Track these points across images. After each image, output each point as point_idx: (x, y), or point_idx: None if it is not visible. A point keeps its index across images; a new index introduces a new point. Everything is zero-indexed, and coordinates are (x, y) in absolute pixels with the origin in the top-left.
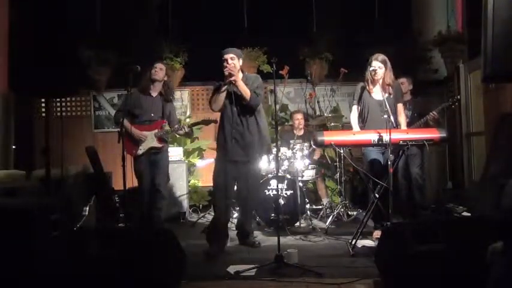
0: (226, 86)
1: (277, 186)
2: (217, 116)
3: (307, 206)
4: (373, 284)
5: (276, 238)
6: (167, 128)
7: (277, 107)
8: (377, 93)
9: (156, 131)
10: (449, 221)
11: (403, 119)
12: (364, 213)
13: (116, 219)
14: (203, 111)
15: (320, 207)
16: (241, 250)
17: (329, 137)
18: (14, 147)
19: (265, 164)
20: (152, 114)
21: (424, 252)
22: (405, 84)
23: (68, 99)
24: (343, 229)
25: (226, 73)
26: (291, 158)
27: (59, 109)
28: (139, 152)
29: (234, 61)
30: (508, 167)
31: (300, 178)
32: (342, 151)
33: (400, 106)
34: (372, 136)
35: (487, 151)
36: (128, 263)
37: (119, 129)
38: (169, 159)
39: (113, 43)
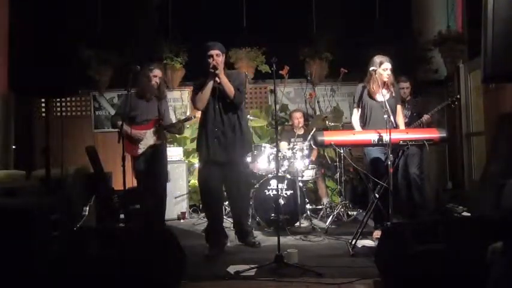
0: (211, 82)
1: (277, 186)
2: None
3: (307, 206)
4: (373, 284)
5: (276, 238)
6: (162, 125)
7: (277, 107)
8: (379, 94)
9: (153, 129)
10: (449, 221)
11: (401, 120)
12: (364, 213)
13: (116, 219)
14: None
15: (320, 207)
16: (241, 250)
17: (329, 137)
18: (14, 147)
19: (264, 164)
20: (148, 115)
21: (424, 252)
22: (409, 88)
23: (68, 99)
24: (343, 229)
25: (211, 67)
26: (291, 158)
27: (59, 109)
28: (140, 151)
29: (219, 58)
30: (508, 167)
31: (300, 178)
32: (342, 151)
33: (399, 107)
34: (371, 136)
35: (487, 151)
36: (127, 263)
37: (118, 129)
38: (170, 159)
39: (113, 43)
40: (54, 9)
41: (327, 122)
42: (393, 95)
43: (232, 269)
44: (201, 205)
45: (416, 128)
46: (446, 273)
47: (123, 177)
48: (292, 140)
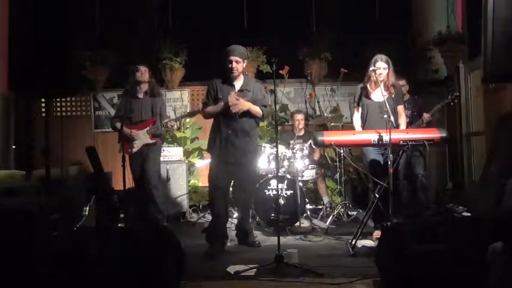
0: (225, 107)
1: (277, 186)
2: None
3: (307, 206)
4: (373, 284)
5: (276, 238)
6: (158, 124)
7: (277, 107)
8: (377, 94)
9: (148, 128)
10: (449, 221)
11: (403, 121)
12: (364, 213)
13: (116, 219)
14: None
15: (320, 207)
16: (241, 250)
17: (329, 137)
18: (14, 147)
19: (265, 164)
20: (142, 115)
21: (424, 252)
22: (405, 86)
23: (68, 99)
24: (343, 229)
25: (232, 106)
26: (291, 158)
27: (59, 109)
28: (134, 150)
29: (238, 65)
30: (508, 167)
31: (300, 178)
32: (342, 151)
33: (400, 108)
34: (371, 136)
35: (487, 151)
36: (127, 263)
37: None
38: (170, 159)
39: (113, 43)
40: (54, 9)
41: (327, 122)
42: (392, 96)
43: (232, 269)
44: (200, 204)
45: (417, 127)
46: (446, 273)
47: (123, 177)
48: (292, 141)
